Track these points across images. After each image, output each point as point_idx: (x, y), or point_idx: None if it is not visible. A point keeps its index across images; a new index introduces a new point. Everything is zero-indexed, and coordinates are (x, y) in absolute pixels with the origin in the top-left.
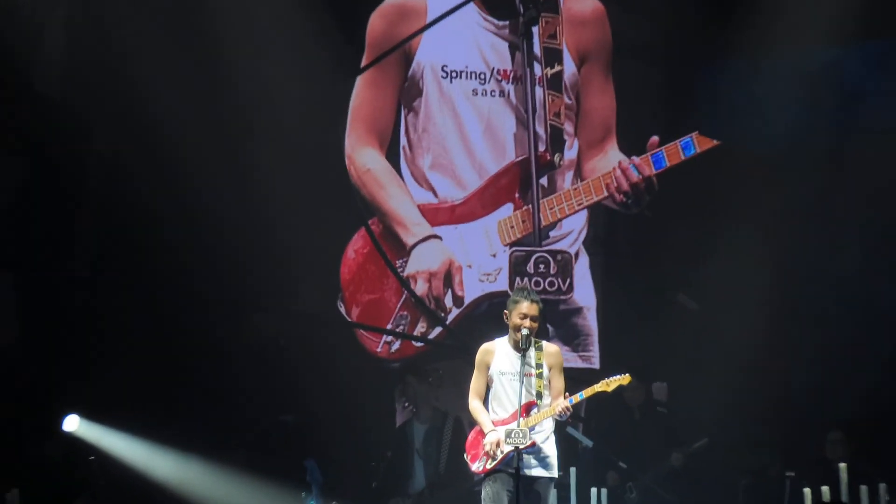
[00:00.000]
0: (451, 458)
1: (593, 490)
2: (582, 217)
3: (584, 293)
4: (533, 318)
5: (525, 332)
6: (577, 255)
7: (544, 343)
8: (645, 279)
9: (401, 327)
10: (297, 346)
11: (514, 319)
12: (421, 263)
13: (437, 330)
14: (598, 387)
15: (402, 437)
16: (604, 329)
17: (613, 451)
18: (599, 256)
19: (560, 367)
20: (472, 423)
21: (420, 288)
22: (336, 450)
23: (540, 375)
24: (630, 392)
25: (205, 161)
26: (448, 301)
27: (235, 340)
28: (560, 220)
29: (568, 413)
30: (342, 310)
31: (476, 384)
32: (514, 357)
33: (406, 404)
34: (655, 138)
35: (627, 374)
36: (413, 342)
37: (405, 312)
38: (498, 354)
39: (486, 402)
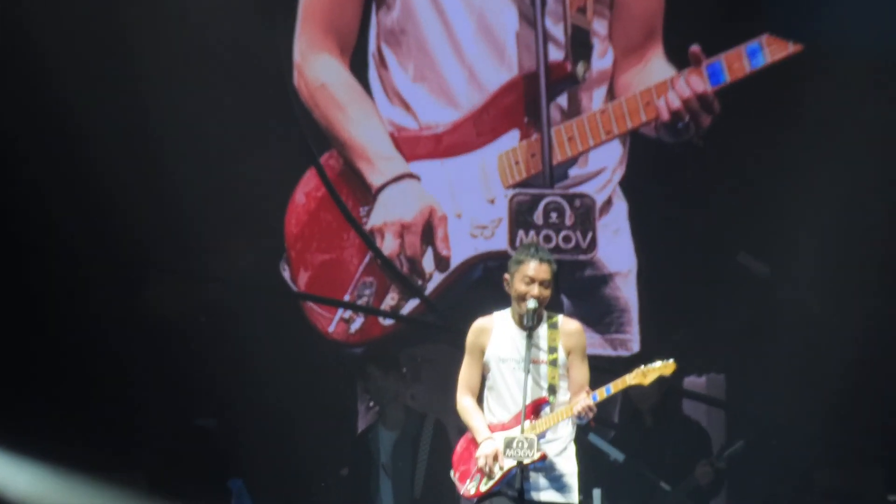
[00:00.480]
0: (430, 477)
1: None
2: (616, 151)
3: (619, 254)
4: (543, 284)
5: (532, 303)
6: (609, 201)
7: (560, 318)
8: (698, 234)
9: (364, 299)
10: (220, 325)
11: (518, 286)
12: (391, 212)
13: (413, 303)
14: (632, 378)
15: (364, 448)
16: (646, 303)
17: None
18: (641, 204)
19: (583, 352)
20: (462, 428)
21: (389, 245)
22: (272, 466)
23: (554, 363)
24: (639, 390)
25: (85, 69)
26: (428, 263)
27: (134, 318)
28: (582, 153)
29: (590, 414)
30: (286, 275)
31: (467, 376)
32: (519, 338)
33: (370, 404)
34: (696, 48)
35: (671, 360)
36: (380, 319)
37: (370, 279)
38: (496, 335)
39: (480, 400)
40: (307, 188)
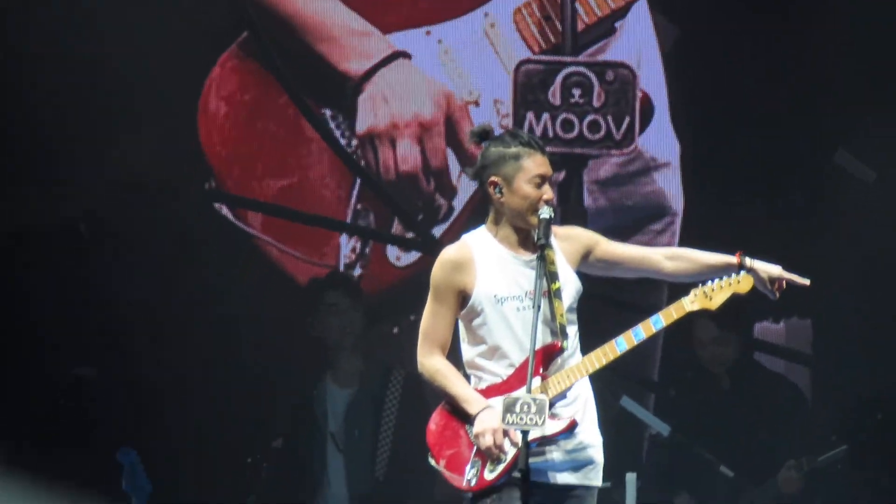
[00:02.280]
0: (397, 451)
1: None
2: None
3: (657, 139)
4: (553, 184)
5: (548, 211)
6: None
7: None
8: (783, 119)
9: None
10: (112, 236)
11: (526, 190)
12: (401, 107)
13: (441, 228)
14: (692, 302)
15: (305, 411)
16: (692, 210)
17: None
18: (689, 68)
19: (602, 238)
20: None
21: (407, 157)
22: (177, 433)
23: (558, 294)
24: (713, 346)
25: None
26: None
27: None
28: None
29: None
30: (224, 211)
31: (436, 327)
32: (515, 264)
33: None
34: None
35: (746, 274)
36: (393, 260)
37: (363, 206)
38: (483, 266)
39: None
40: (223, 91)
